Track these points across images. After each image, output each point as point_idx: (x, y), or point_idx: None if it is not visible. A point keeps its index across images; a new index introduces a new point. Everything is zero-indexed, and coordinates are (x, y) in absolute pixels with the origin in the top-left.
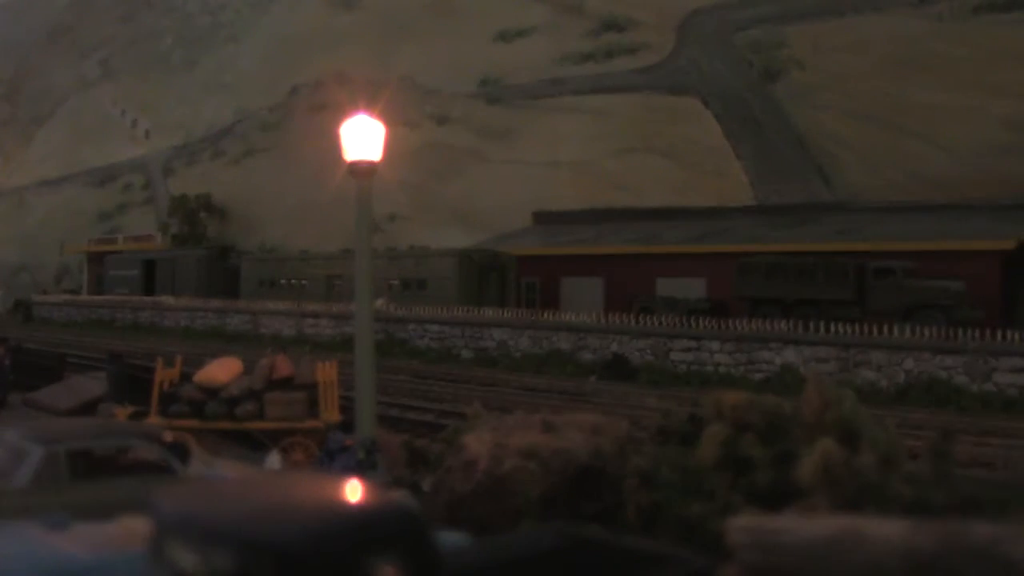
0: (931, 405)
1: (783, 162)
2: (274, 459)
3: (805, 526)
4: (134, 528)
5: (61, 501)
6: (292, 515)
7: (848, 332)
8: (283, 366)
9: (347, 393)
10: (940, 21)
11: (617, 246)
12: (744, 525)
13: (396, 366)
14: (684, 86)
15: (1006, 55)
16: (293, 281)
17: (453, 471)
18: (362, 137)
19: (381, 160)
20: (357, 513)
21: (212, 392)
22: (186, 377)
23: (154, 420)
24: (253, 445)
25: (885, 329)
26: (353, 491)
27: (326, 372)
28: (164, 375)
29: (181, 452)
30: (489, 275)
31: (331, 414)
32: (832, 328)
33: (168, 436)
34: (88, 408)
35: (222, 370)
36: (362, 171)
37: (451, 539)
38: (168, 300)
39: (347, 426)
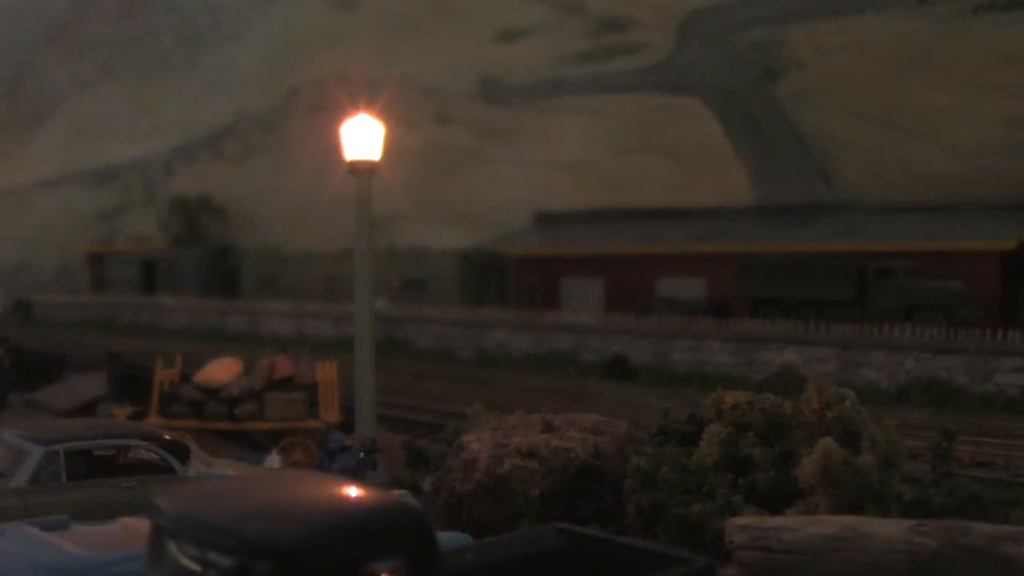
0: (931, 405)
1: (783, 162)
2: (274, 459)
3: (805, 526)
4: (134, 528)
5: (61, 501)
6: (292, 515)
7: (848, 332)
8: (283, 366)
9: (347, 393)
10: (940, 21)
11: (617, 246)
12: (744, 525)
13: (396, 366)
14: (684, 86)
15: (1006, 55)
16: (293, 281)
17: (453, 471)
18: (362, 137)
19: (381, 160)
20: (357, 513)
21: (212, 392)
22: (186, 377)
23: (154, 420)
24: (253, 445)
25: (885, 329)
26: (353, 491)
27: (326, 372)
28: (164, 375)
29: (181, 452)
30: (489, 275)
31: (331, 414)
32: (832, 328)
33: (168, 436)
34: (88, 408)
35: (222, 370)
36: (362, 171)
37: (451, 539)
38: (168, 300)
39: (347, 426)
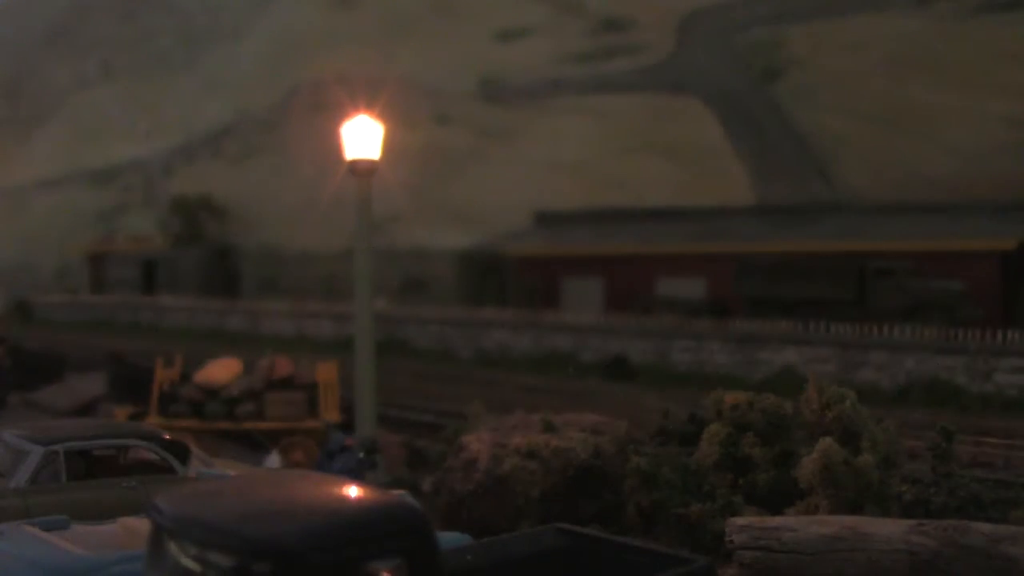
0: (931, 405)
1: (783, 162)
2: (274, 459)
3: (805, 526)
4: (134, 528)
5: (61, 501)
6: (292, 515)
7: (848, 332)
8: (283, 366)
9: (347, 393)
10: (940, 21)
11: (617, 246)
12: (744, 525)
13: (396, 366)
14: (684, 86)
15: (1006, 55)
16: (293, 281)
17: (453, 471)
18: (362, 137)
19: (381, 160)
20: (357, 513)
21: (212, 392)
22: (186, 377)
23: (154, 420)
24: (253, 445)
25: (885, 329)
26: (353, 491)
27: (326, 372)
28: (164, 375)
29: (181, 452)
30: (489, 275)
31: (331, 414)
32: (832, 328)
33: (168, 436)
34: (88, 408)
35: (222, 370)
36: (362, 170)
37: (451, 539)
38: (168, 300)
39: (347, 426)
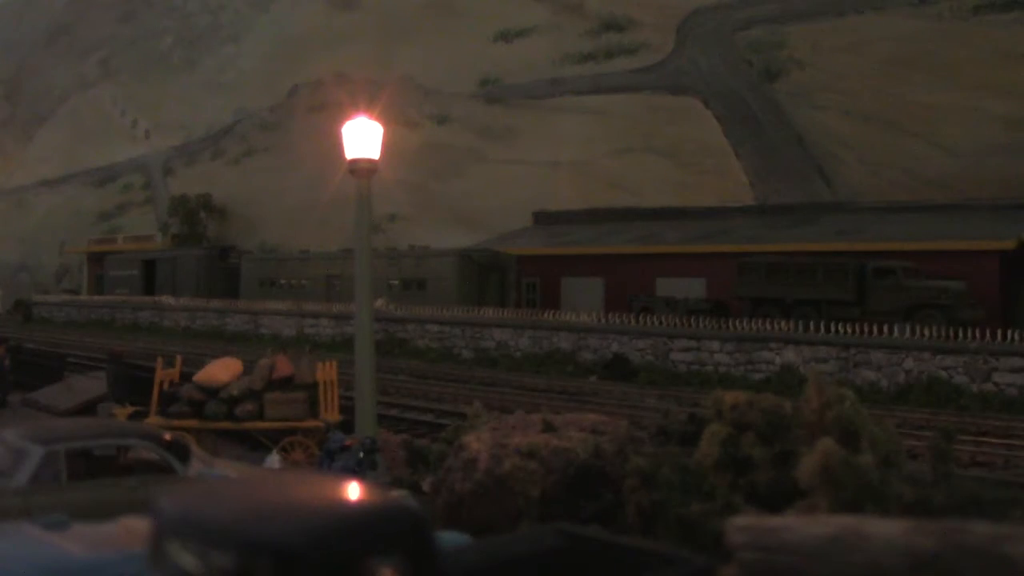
0: (931, 405)
1: (783, 162)
2: (274, 459)
3: (805, 526)
4: (134, 528)
5: (61, 501)
6: (292, 515)
7: (848, 332)
8: (283, 366)
9: (347, 393)
10: (940, 21)
11: (617, 246)
12: (744, 525)
13: (396, 366)
14: (684, 86)
15: (1006, 55)
16: (293, 281)
17: (453, 471)
18: (362, 137)
19: (381, 160)
20: (357, 513)
21: (212, 392)
22: (186, 377)
23: (154, 420)
24: (253, 445)
25: (885, 329)
26: (353, 491)
27: (326, 372)
28: (164, 375)
29: (181, 452)
30: (489, 275)
31: (331, 414)
32: (832, 328)
33: (168, 436)
34: (88, 408)
35: (222, 370)
36: (362, 170)
37: (451, 539)
38: (168, 300)
39: (347, 426)
